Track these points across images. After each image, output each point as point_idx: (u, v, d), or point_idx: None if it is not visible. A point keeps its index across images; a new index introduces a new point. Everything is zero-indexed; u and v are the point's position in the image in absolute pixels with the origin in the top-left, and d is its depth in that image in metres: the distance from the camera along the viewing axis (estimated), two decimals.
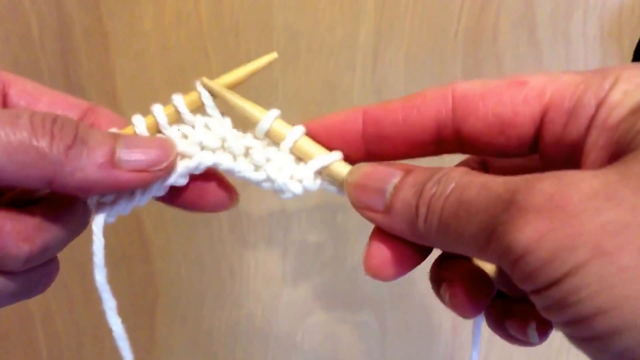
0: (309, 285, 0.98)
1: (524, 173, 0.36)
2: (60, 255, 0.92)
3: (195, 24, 0.79)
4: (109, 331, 1.02)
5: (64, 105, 0.50)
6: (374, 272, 0.45)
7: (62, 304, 0.99)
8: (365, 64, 0.81)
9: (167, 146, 0.45)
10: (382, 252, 0.45)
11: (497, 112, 0.42)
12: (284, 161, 0.48)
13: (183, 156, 0.47)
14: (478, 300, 0.47)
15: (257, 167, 0.48)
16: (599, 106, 0.38)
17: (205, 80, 0.49)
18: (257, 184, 0.48)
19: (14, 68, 0.81)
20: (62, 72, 0.82)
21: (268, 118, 0.48)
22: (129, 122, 0.49)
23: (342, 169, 0.47)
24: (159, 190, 0.47)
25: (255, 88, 0.81)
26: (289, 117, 0.82)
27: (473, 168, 0.48)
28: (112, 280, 0.94)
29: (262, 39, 0.79)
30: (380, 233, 0.45)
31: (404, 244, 0.44)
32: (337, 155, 0.47)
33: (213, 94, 0.49)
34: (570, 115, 0.40)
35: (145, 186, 0.46)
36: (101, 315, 1.00)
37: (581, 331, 0.32)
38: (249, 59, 0.79)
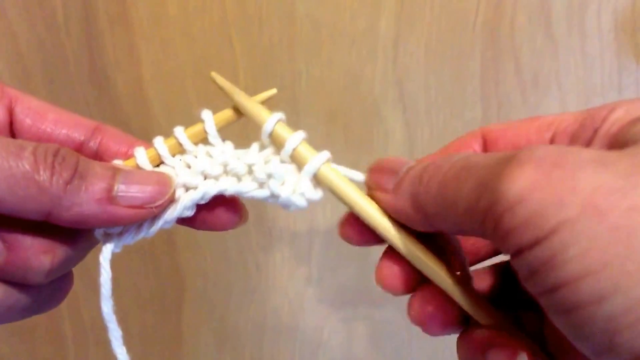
0: (334, 281, 0.99)
1: None
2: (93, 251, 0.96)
3: (219, 11, 0.81)
4: (136, 326, 1.05)
5: (70, 124, 0.50)
6: (383, 286, 0.48)
7: (89, 298, 1.01)
8: (387, 54, 0.83)
9: (165, 183, 0.47)
10: (389, 270, 0.48)
11: (515, 142, 0.47)
12: (286, 173, 0.48)
13: (188, 188, 0.49)
14: (448, 318, 0.48)
15: (260, 184, 0.49)
16: (602, 122, 0.41)
17: (216, 75, 0.51)
18: (264, 200, 0.49)
19: (39, 53, 0.84)
20: (87, 58, 0.84)
21: (271, 120, 0.48)
22: (136, 141, 0.51)
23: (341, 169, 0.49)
24: (167, 223, 0.48)
25: (279, 77, 0.84)
26: (312, 107, 0.84)
27: None
28: (138, 273, 0.97)
29: (284, 27, 0.81)
30: (392, 252, 0.47)
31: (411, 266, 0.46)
32: (324, 155, 0.48)
33: (224, 92, 0.51)
34: (574, 135, 0.43)
35: (141, 221, 0.47)
36: (127, 309, 1.03)
37: (566, 298, 0.31)
38: (272, 47, 0.82)
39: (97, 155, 0.50)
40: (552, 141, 0.44)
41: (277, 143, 0.49)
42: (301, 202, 0.48)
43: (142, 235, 0.48)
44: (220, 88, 0.50)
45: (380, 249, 0.48)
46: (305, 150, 0.48)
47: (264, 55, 0.83)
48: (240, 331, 1.05)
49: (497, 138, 0.48)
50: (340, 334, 1.04)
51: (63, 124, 0.50)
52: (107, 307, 0.48)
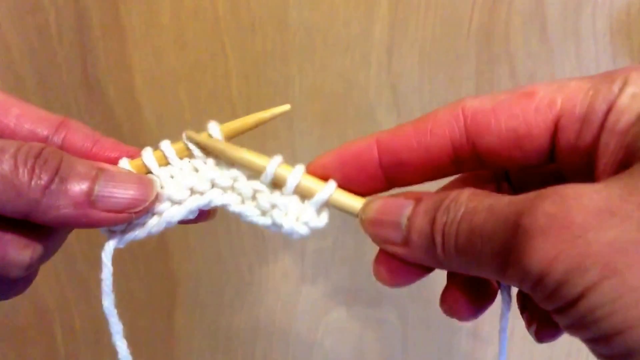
0: (328, 282, 1.01)
1: (545, 177, 0.39)
2: (79, 252, 0.97)
3: (211, 19, 0.82)
4: (127, 329, 1.07)
5: (34, 118, 0.50)
6: (382, 279, 0.48)
7: (79, 299, 1.03)
8: (381, 59, 0.84)
9: (146, 188, 0.47)
10: (390, 262, 0.47)
11: (510, 126, 0.43)
12: (290, 204, 0.49)
13: (194, 191, 0.50)
14: (478, 305, 0.49)
15: (263, 212, 0.50)
16: (608, 111, 0.40)
17: (192, 134, 0.50)
18: (264, 227, 0.50)
19: (32, 61, 0.85)
20: (79, 66, 0.85)
21: (271, 168, 0.49)
22: (102, 137, 0.51)
23: (342, 197, 0.49)
24: (171, 224, 0.50)
25: (273, 84, 0.85)
26: (305, 112, 0.86)
27: (482, 181, 0.52)
28: (130, 274, 0.99)
29: (278, 34, 0.83)
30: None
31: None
32: (331, 187, 0.49)
33: (204, 149, 0.51)
34: (583, 122, 0.41)
35: (121, 224, 0.48)
36: (119, 312, 1.05)
37: (602, 349, 0.34)
38: (265, 54, 0.83)
39: (63, 150, 0.49)
40: (557, 125, 0.42)
41: (276, 180, 0.49)
42: (305, 231, 0.49)
43: (146, 233, 0.50)
44: (204, 146, 0.50)
45: (376, 250, 0.48)
46: (309, 182, 0.49)
47: (257, 61, 0.84)
48: (233, 333, 1.06)
49: (486, 120, 0.44)
50: (334, 334, 1.06)
51: (27, 119, 0.49)
52: (107, 301, 0.49)
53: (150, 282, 1.02)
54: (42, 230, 0.46)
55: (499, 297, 0.50)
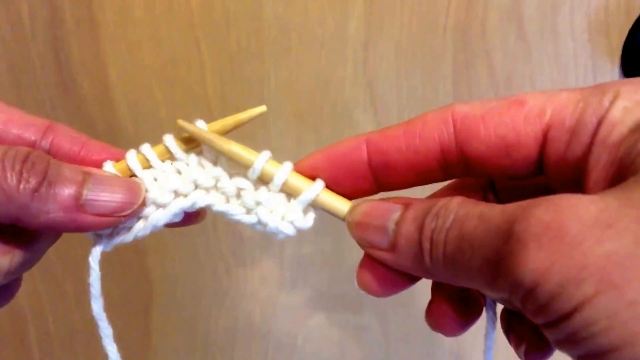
0: (307, 286, 1.01)
1: (532, 191, 0.38)
2: (54, 255, 0.97)
3: (186, 14, 0.83)
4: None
5: (21, 123, 0.50)
6: (365, 287, 0.48)
7: (54, 302, 1.02)
8: (357, 57, 0.85)
9: (134, 192, 0.48)
10: (373, 272, 0.47)
11: (499, 134, 0.43)
12: (275, 202, 0.49)
13: (177, 194, 0.50)
14: (464, 320, 0.49)
15: (248, 210, 0.50)
16: (599, 124, 0.40)
17: (183, 123, 0.50)
18: (249, 226, 0.50)
19: (5, 56, 0.86)
20: (53, 62, 0.86)
21: (259, 162, 0.49)
22: (89, 140, 0.51)
23: (330, 199, 0.49)
24: (157, 227, 0.50)
25: (248, 81, 0.86)
26: (281, 110, 0.87)
27: (471, 191, 0.52)
28: (105, 276, 0.99)
29: (252, 30, 0.83)
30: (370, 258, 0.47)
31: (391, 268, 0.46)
32: (319, 186, 0.49)
33: (195, 139, 0.50)
34: (572, 133, 0.41)
35: (110, 227, 0.48)
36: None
37: None
38: (240, 51, 0.84)
39: (50, 155, 0.49)
40: (546, 136, 0.42)
41: (264, 176, 0.49)
42: (290, 230, 0.49)
43: (132, 237, 0.50)
44: (192, 135, 0.50)
45: (357, 255, 0.48)
46: (297, 181, 0.49)
47: (231, 58, 0.85)
48: (210, 337, 1.06)
49: (476, 126, 0.44)
50: (315, 340, 1.06)
51: (14, 124, 0.49)
52: (97, 305, 0.50)
53: (125, 284, 1.02)
54: (23, 237, 0.46)
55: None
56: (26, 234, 0.46)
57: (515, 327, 0.49)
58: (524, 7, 0.81)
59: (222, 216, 0.50)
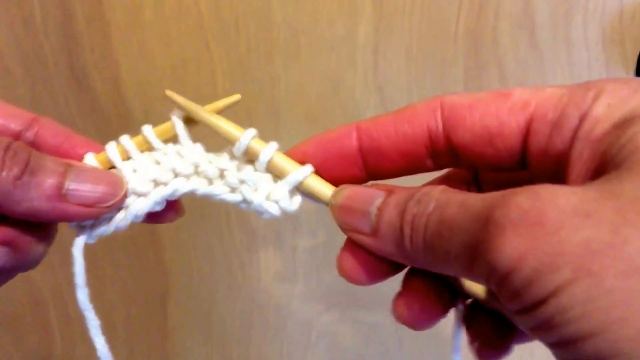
0: (320, 282, 1.02)
1: (516, 186, 0.39)
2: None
3: (195, 16, 0.84)
4: (121, 317, 1.09)
5: (6, 115, 0.51)
6: (346, 277, 0.48)
7: (73, 289, 1.04)
8: (366, 61, 0.85)
9: (116, 183, 0.48)
10: (354, 258, 0.47)
11: (484, 123, 0.44)
12: (261, 181, 0.50)
13: (157, 183, 0.50)
14: (432, 315, 0.49)
15: (233, 189, 0.50)
16: (582, 118, 0.40)
17: (172, 94, 0.51)
18: (235, 205, 0.51)
19: (18, 53, 0.87)
20: (65, 59, 0.88)
21: (245, 138, 0.49)
22: (73, 134, 0.52)
23: (316, 183, 0.49)
24: (138, 217, 0.51)
25: (258, 82, 0.87)
26: (292, 112, 0.88)
27: (457, 183, 0.52)
28: (123, 268, 1.02)
29: (261, 33, 0.84)
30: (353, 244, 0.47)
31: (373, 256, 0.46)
32: (308, 169, 0.49)
33: (187, 114, 0.51)
34: (554, 127, 0.41)
35: (92, 218, 0.49)
36: (112, 301, 1.07)
37: (568, 353, 0.33)
38: (249, 52, 0.85)
39: (34, 147, 0.50)
40: (529, 127, 0.43)
41: (250, 154, 0.50)
42: (274, 209, 0.50)
43: (113, 228, 0.51)
44: (180, 107, 0.51)
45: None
46: (285, 163, 0.50)
47: (241, 59, 0.86)
48: (227, 328, 1.08)
49: (462, 114, 0.45)
50: (328, 337, 1.07)
51: None
52: (82, 295, 0.50)
53: (142, 275, 1.04)
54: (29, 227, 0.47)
55: None
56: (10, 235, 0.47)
57: (474, 323, 0.50)
58: (536, 15, 0.81)
59: (226, 208, 0.50)
